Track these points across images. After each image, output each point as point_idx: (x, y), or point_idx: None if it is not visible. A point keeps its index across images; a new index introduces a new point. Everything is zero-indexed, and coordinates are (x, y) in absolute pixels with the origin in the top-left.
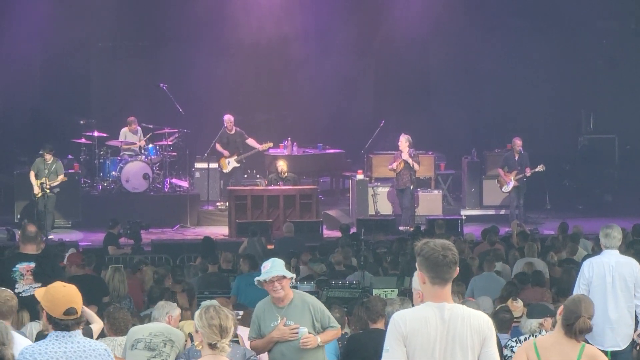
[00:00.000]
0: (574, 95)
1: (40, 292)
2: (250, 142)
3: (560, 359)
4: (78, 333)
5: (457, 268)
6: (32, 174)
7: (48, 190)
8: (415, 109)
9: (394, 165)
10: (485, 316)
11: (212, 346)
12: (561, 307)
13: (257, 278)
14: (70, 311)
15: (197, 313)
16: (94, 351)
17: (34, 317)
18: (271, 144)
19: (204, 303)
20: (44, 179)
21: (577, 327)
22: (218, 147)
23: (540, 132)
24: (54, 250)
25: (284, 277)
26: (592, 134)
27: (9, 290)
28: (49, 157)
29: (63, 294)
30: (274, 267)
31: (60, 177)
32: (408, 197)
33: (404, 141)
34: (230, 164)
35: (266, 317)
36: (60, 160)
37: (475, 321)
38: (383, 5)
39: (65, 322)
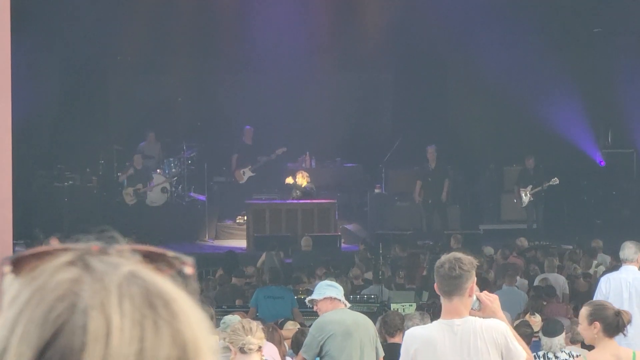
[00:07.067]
0: (591, 109)
1: None
2: (261, 158)
3: None
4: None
5: (468, 283)
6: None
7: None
8: (433, 124)
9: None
10: (498, 325)
11: (242, 350)
12: (596, 324)
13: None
14: None
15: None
16: None
17: None
18: (285, 149)
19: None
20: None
21: (623, 320)
22: (234, 159)
23: (558, 147)
24: None
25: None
26: (610, 149)
27: None
28: None
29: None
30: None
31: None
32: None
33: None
34: (246, 174)
35: None
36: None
37: (489, 334)
38: (402, 20)
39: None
